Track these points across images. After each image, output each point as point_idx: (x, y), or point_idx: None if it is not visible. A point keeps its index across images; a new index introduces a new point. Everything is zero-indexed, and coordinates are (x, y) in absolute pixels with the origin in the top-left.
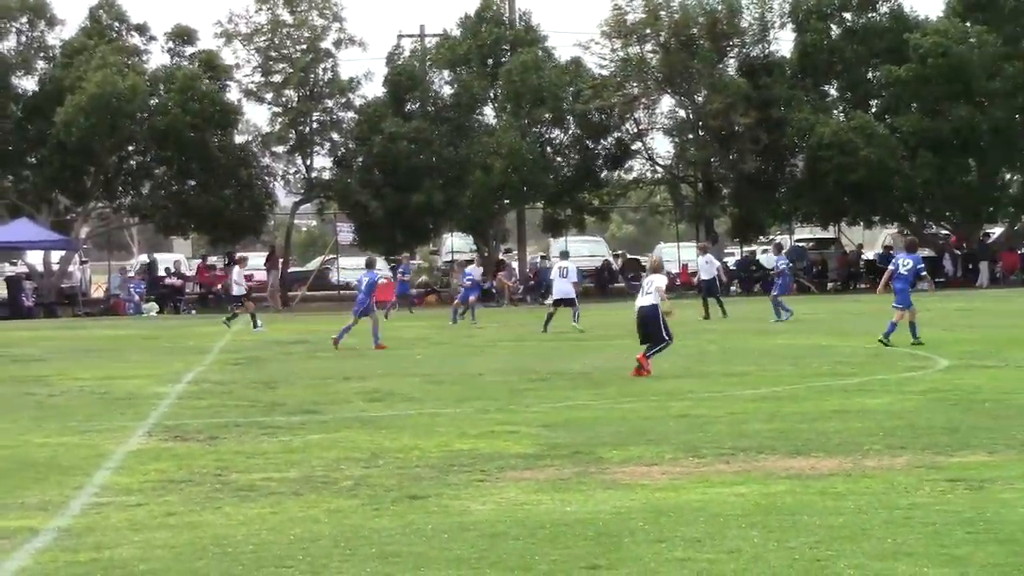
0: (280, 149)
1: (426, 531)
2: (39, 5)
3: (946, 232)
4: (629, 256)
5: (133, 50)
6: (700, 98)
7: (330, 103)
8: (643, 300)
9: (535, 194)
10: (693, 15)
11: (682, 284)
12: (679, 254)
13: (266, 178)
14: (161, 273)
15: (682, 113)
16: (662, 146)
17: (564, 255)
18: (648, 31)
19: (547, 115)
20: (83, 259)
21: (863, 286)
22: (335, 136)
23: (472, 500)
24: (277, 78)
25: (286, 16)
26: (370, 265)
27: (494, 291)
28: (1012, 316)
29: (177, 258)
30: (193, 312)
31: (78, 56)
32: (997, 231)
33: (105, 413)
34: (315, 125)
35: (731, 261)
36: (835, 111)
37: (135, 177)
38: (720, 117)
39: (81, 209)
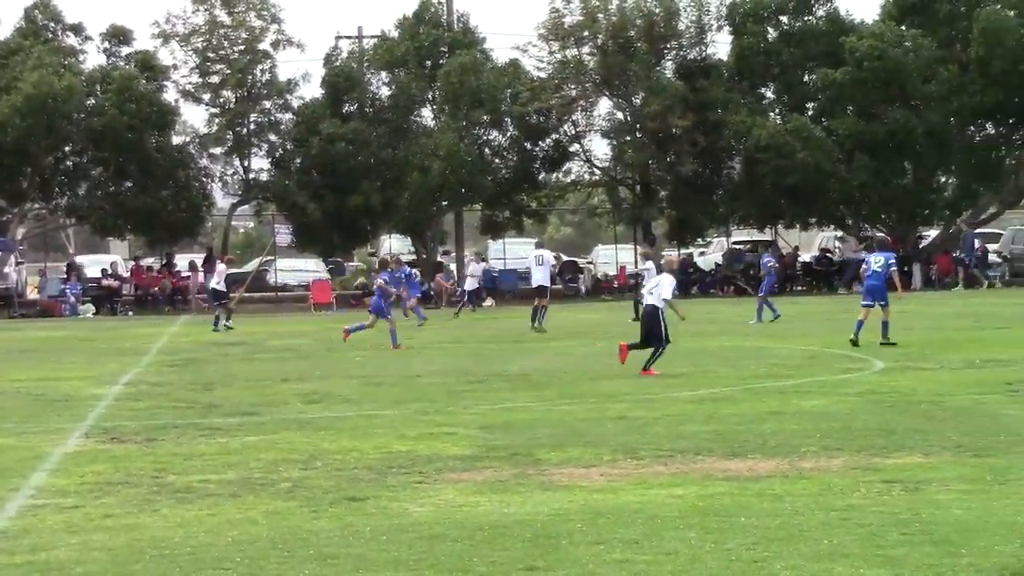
0: (217, 150)
1: (364, 533)
2: None
3: (882, 235)
4: (566, 258)
5: (69, 50)
6: (637, 100)
7: (268, 104)
8: (648, 299)
9: (473, 196)
10: (630, 18)
11: (620, 286)
12: (616, 256)
13: (203, 179)
14: (96, 274)
15: (620, 115)
16: (600, 148)
17: (539, 244)
18: (585, 33)
19: (485, 117)
20: (19, 260)
21: (800, 288)
22: (273, 137)
23: (410, 502)
24: (215, 79)
25: (224, 17)
26: (383, 266)
27: (432, 293)
28: (946, 319)
29: (114, 259)
30: (130, 313)
31: (13, 57)
32: (932, 234)
33: (41, 415)
34: (253, 126)
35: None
36: (772, 114)
37: (72, 178)
38: (657, 119)
39: (17, 210)
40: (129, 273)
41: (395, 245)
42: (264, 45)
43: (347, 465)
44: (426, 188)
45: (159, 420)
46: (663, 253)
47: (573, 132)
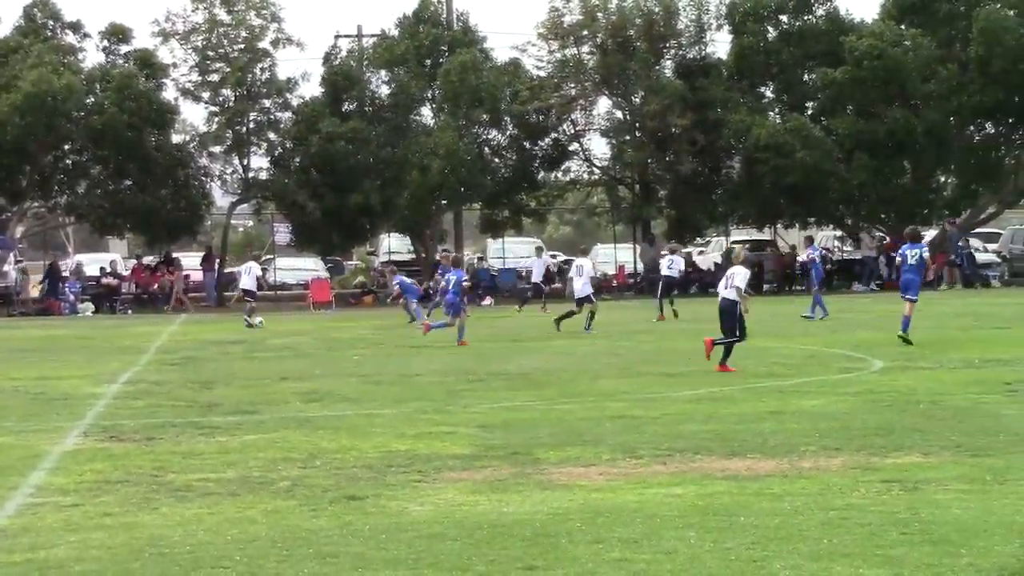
0: (217, 149)
1: (363, 532)
2: None
3: (882, 235)
4: (566, 257)
5: (68, 49)
6: (637, 99)
7: (267, 103)
8: (723, 293)
9: (472, 195)
10: (630, 17)
11: (619, 285)
12: (616, 255)
13: (203, 178)
14: (96, 273)
15: (619, 114)
16: (599, 147)
17: (583, 252)
18: (585, 33)
19: (485, 116)
20: (18, 259)
21: (799, 288)
22: (272, 136)
23: (409, 501)
24: (214, 77)
25: (223, 15)
26: (457, 264)
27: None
28: (946, 318)
29: (113, 258)
30: (129, 312)
31: (13, 55)
32: (931, 233)
33: (40, 413)
34: (252, 125)
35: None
36: (771, 113)
37: (71, 176)
38: (657, 118)
39: (16, 209)
40: (130, 272)
41: (394, 244)
42: (264, 44)
43: (346, 464)
44: (425, 187)
45: (158, 419)
46: (733, 245)
47: (572, 131)
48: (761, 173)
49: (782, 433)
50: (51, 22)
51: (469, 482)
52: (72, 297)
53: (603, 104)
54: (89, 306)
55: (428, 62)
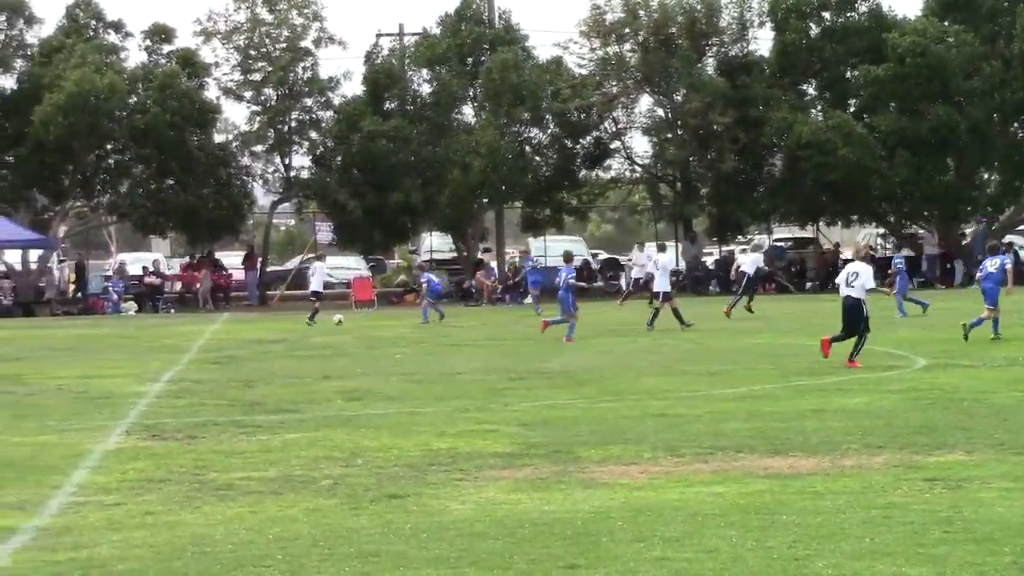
0: (259, 148)
1: (405, 530)
2: (18, 3)
3: (924, 231)
4: (607, 255)
5: (111, 48)
6: (679, 97)
7: (309, 102)
8: (846, 290)
9: (514, 193)
10: (672, 14)
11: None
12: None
13: (245, 177)
14: (138, 272)
15: (661, 112)
16: (640, 145)
17: (661, 248)
18: (627, 30)
19: (526, 114)
20: (61, 258)
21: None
22: (314, 135)
23: (451, 499)
24: (256, 76)
25: (265, 15)
26: (568, 260)
27: (473, 290)
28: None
29: (156, 257)
30: (172, 311)
31: (56, 54)
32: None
33: (83, 412)
34: (294, 124)
35: (709, 261)
36: (813, 110)
37: (113, 176)
38: (699, 116)
39: (59, 208)
40: (173, 271)
41: (436, 243)
42: (306, 43)
43: (388, 463)
44: (467, 186)
45: (200, 417)
46: (857, 240)
47: (614, 129)
48: (803, 171)
49: (824, 431)
50: (94, 22)
51: (510, 480)
52: (115, 296)
53: (644, 102)
54: (132, 305)
55: (470, 60)
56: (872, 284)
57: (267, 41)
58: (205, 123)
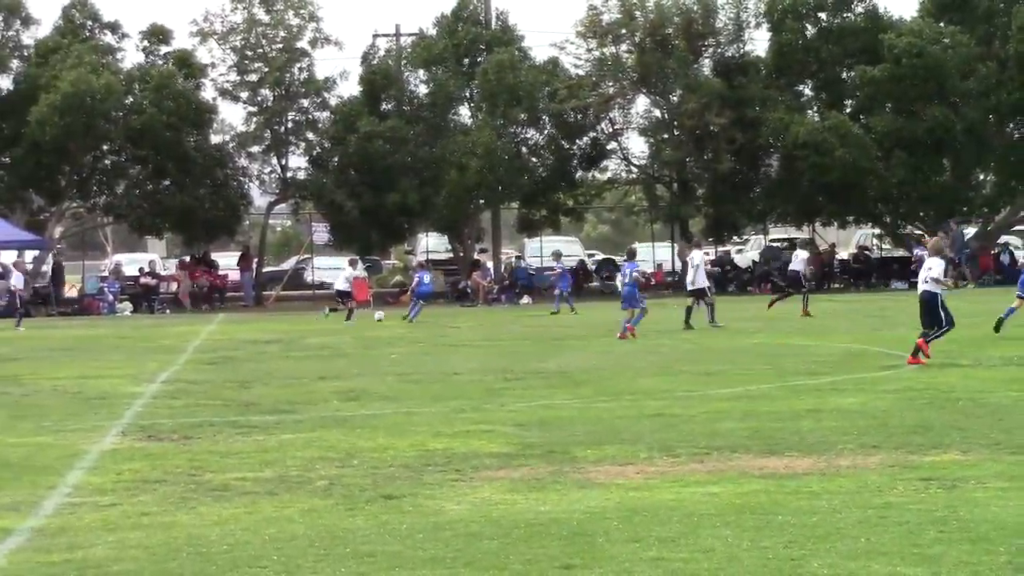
0: (255, 149)
1: (401, 531)
2: (14, 4)
3: (920, 232)
4: (603, 256)
5: (107, 49)
6: (675, 98)
7: (305, 102)
8: (922, 286)
9: (510, 194)
10: (668, 15)
11: (657, 284)
12: (654, 254)
13: (241, 178)
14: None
15: (657, 113)
16: (637, 146)
17: (696, 245)
18: (623, 31)
19: (523, 115)
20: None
21: (837, 286)
22: (310, 136)
23: (447, 500)
24: (252, 77)
25: (262, 15)
26: (631, 256)
27: (469, 291)
28: (984, 315)
29: (152, 258)
30: (167, 312)
31: (52, 55)
32: (971, 231)
33: (79, 413)
34: (290, 124)
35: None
36: (810, 111)
37: (109, 176)
38: (695, 117)
39: (55, 209)
40: (169, 271)
41: (432, 243)
42: (302, 43)
43: (384, 463)
44: (463, 186)
45: (196, 418)
46: (931, 240)
47: (610, 130)
48: (799, 171)
49: (820, 431)
50: (90, 22)
51: (506, 481)
52: (111, 297)
53: (641, 103)
54: (127, 306)
55: (466, 61)
56: (940, 276)
57: (263, 42)
58: (201, 124)
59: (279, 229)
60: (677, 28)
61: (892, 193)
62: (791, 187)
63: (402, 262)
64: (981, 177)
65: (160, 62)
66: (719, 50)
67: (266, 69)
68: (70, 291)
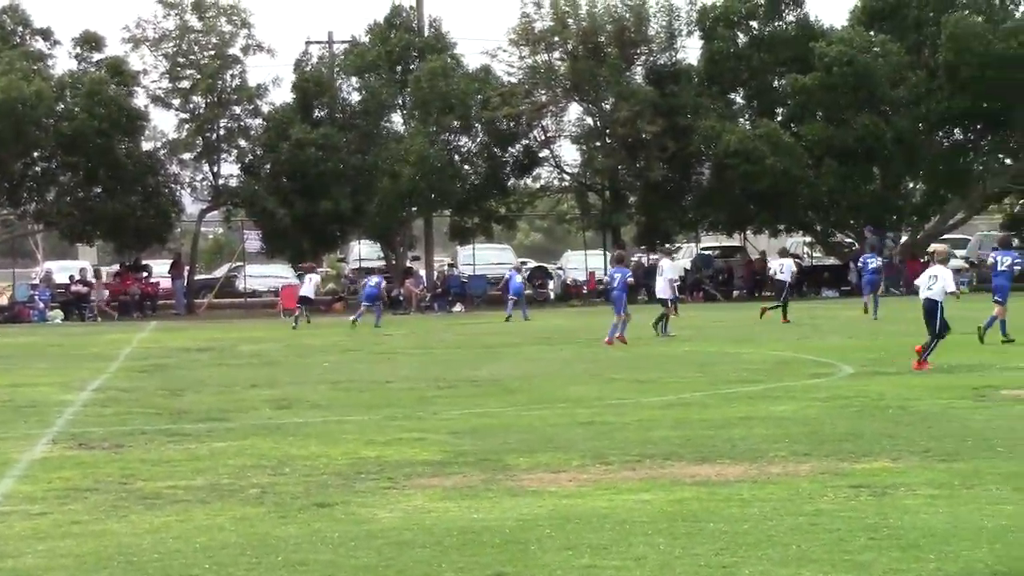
0: (187, 156)
1: (333, 539)
2: None
3: (851, 241)
4: (536, 264)
5: (38, 55)
6: (607, 106)
7: (237, 109)
8: (925, 293)
9: (443, 201)
10: (600, 23)
11: (589, 291)
12: (586, 262)
13: (173, 185)
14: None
15: (589, 121)
16: (569, 154)
17: (667, 253)
18: (556, 39)
19: (455, 122)
20: None
21: (768, 294)
22: (242, 143)
23: (379, 508)
24: (184, 84)
25: (194, 22)
26: (620, 261)
27: (401, 299)
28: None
29: (83, 265)
30: (98, 319)
31: None
32: (789, 242)
33: (9, 421)
34: (222, 132)
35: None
36: (741, 119)
37: (40, 183)
38: (627, 125)
39: None
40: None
41: (364, 251)
42: (234, 50)
43: (316, 471)
44: (396, 194)
45: (128, 426)
46: (935, 246)
47: (543, 138)
48: (731, 179)
49: (751, 439)
50: (21, 28)
51: (439, 488)
52: (41, 305)
53: (574, 110)
54: (58, 313)
55: (399, 68)
56: (952, 287)
57: (196, 48)
58: (133, 131)
59: (211, 236)
60: (609, 36)
61: (823, 201)
62: (722, 195)
63: (335, 270)
64: (911, 186)
65: (92, 69)
66: (651, 58)
67: (198, 76)
68: (0, 299)
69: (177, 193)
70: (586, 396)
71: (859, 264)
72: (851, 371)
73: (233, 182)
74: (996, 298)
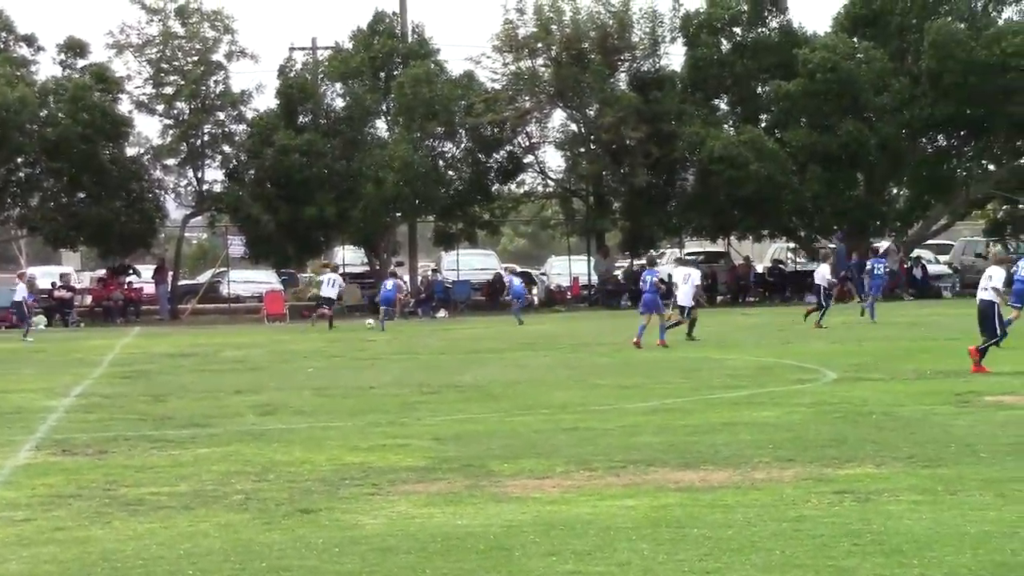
0: (171, 161)
1: (317, 545)
2: None
3: (834, 246)
4: (520, 269)
5: (21, 61)
6: (591, 112)
7: (221, 115)
8: (981, 294)
9: (427, 207)
10: (584, 29)
11: (573, 297)
12: (570, 267)
13: (157, 191)
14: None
15: (574, 127)
16: (553, 160)
17: (683, 262)
18: (540, 45)
19: (439, 128)
20: None
21: (752, 299)
22: (226, 148)
23: (363, 514)
24: (168, 90)
25: (177, 28)
26: (651, 263)
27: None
28: (898, 329)
29: (66, 271)
30: (82, 325)
31: None
32: (884, 245)
33: None
34: (206, 137)
35: (620, 274)
36: (725, 125)
37: (24, 189)
38: (611, 131)
39: None
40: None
41: (349, 256)
42: (218, 56)
43: (300, 477)
44: (380, 200)
45: (111, 432)
46: (994, 250)
47: (527, 143)
48: (715, 185)
49: (735, 444)
50: (4, 34)
51: (423, 495)
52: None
53: (558, 116)
54: (42, 319)
55: (383, 74)
56: (1000, 285)
57: (179, 54)
58: (117, 136)
59: (195, 242)
60: (593, 42)
61: (806, 207)
62: (706, 201)
63: (318, 275)
64: (894, 191)
65: (77, 75)
66: (635, 64)
67: (182, 82)
68: None
69: (161, 199)
70: (570, 402)
71: (868, 267)
72: (835, 377)
73: (217, 188)
74: (1014, 303)
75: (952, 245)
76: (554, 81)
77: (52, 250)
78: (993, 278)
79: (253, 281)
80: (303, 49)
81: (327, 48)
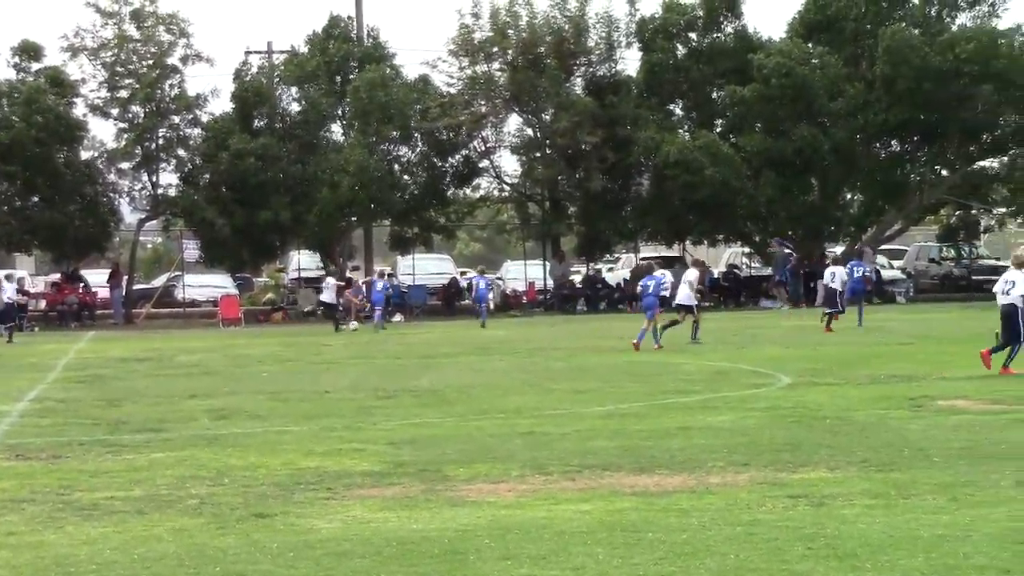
0: (126, 165)
1: (271, 549)
2: None
3: (789, 251)
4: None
5: None
6: (547, 116)
7: (176, 119)
8: (1002, 299)
9: (382, 211)
10: (540, 34)
11: (529, 302)
12: (526, 272)
13: (111, 194)
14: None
15: (529, 131)
16: (509, 164)
17: (696, 264)
18: (495, 49)
19: (395, 132)
20: None
21: (707, 304)
22: (181, 152)
23: (318, 518)
24: (123, 94)
25: (133, 31)
26: (650, 270)
27: (340, 308)
28: (851, 334)
29: (21, 275)
30: (35, 329)
31: None
32: (838, 249)
33: None
34: (161, 141)
35: (576, 279)
36: (681, 130)
37: None
38: (567, 135)
39: None
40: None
41: (304, 261)
42: (173, 60)
43: (255, 481)
44: (335, 204)
45: (65, 437)
46: (1016, 252)
47: (483, 148)
48: (670, 190)
49: (690, 449)
50: None
51: (378, 499)
52: None
53: (513, 121)
54: None
55: (338, 78)
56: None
57: (134, 58)
58: (72, 140)
59: (150, 246)
60: (549, 47)
61: (761, 212)
62: (662, 205)
63: (274, 280)
64: (848, 196)
65: (31, 78)
66: (591, 69)
67: (137, 85)
68: None
69: (115, 202)
70: (525, 406)
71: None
72: (789, 381)
73: (172, 192)
74: None
75: (906, 250)
76: (510, 85)
77: (5, 254)
78: (1018, 284)
79: (208, 285)
80: (259, 53)
81: (283, 52)
